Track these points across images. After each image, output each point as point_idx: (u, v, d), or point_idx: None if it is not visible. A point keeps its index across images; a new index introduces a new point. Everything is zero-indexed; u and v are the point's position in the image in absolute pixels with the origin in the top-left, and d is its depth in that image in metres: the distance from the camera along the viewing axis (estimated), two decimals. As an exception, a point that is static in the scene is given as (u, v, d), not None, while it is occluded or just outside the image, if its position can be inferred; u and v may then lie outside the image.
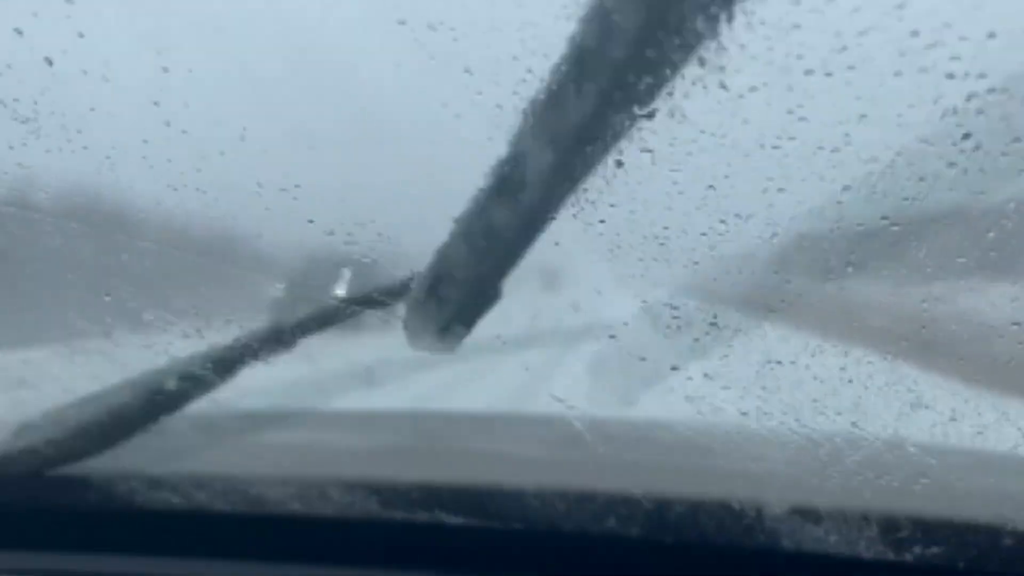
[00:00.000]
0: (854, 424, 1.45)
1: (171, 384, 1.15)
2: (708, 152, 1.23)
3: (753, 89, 1.24)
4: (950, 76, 1.29)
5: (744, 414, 1.33)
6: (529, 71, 0.91)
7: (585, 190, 0.99)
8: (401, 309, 1.03)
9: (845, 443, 1.33)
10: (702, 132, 1.13)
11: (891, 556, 0.84)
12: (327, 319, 1.26)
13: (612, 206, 1.13)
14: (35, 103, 1.47)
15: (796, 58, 1.30)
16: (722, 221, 1.37)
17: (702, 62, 0.88)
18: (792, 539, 0.87)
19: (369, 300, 1.13)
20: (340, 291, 1.15)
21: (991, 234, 1.37)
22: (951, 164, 1.38)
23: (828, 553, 0.87)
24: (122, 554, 0.99)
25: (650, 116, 0.90)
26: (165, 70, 1.41)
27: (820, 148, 1.42)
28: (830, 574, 0.89)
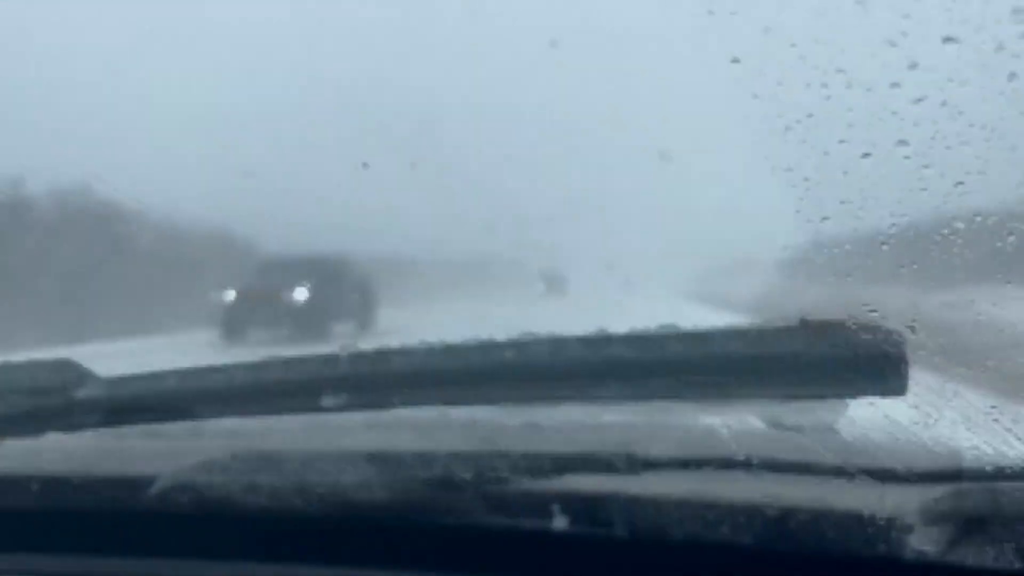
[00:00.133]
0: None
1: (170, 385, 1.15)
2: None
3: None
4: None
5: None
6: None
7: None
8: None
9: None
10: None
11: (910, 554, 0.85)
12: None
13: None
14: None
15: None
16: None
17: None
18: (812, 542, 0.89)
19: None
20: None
21: (1011, 238, 1.36)
22: (966, 171, 1.37)
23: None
24: (123, 556, 1.01)
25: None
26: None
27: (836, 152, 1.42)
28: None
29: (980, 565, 0.84)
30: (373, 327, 18.23)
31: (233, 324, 16.10)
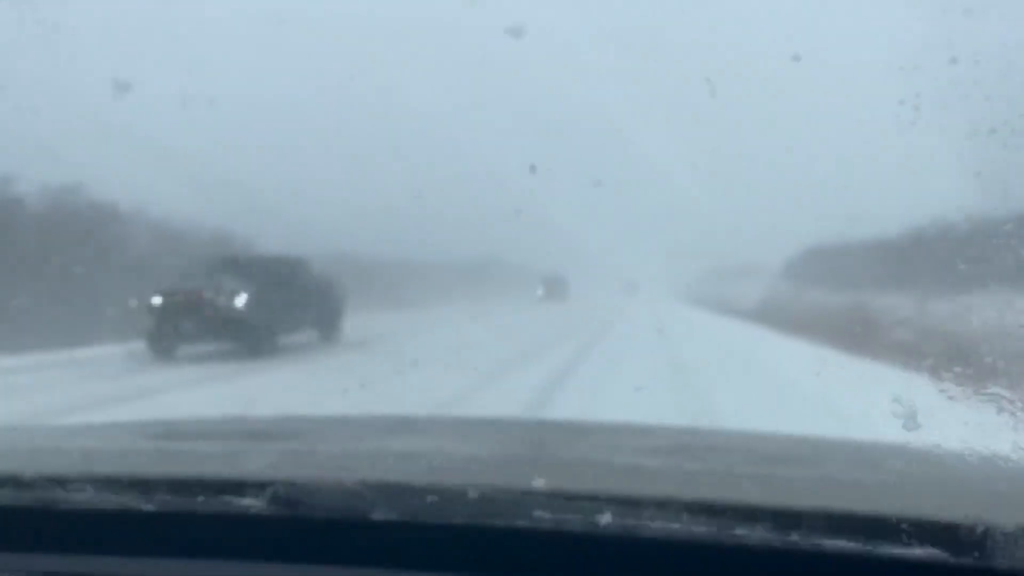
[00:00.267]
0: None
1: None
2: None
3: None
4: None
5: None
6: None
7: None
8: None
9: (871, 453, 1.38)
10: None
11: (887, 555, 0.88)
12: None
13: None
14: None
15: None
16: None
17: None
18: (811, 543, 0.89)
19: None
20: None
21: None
22: (978, 174, 1.36)
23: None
24: (122, 555, 1.00)
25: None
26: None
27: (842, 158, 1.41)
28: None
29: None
30: (337, 338, 16.22)
31: (157, 336, 13.32)
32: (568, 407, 7.01)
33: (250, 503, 0.97)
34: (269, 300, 13.85)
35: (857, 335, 13.53)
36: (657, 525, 0.89)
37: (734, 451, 1.34)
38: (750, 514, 0.90)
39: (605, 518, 0.90)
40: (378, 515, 0.93)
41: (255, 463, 1.11)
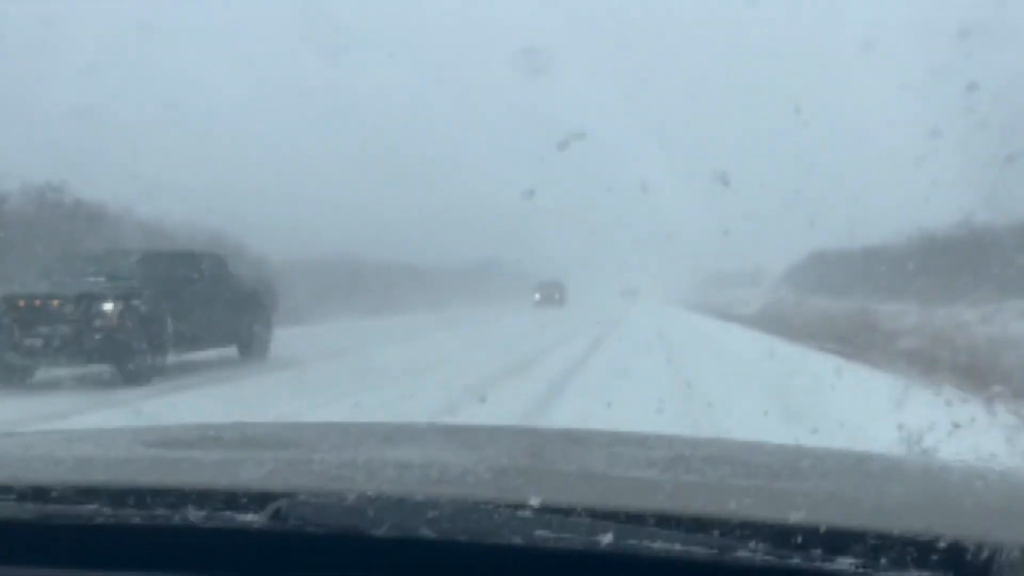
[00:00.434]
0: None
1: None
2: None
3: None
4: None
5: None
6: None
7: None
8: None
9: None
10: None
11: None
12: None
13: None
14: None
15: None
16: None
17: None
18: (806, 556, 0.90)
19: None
20: None
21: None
22: (988, 182, 1.36)
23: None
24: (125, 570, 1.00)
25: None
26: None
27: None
28: None
29: None
30: (261, 355, 13.06)
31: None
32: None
33: (248, 517, 0.97)
34: (159, 308, 10.70)
35: (862, 343, 13.51)
36: (658, 545, 0.90)
37: (733, 463, 1.34)
38: (747, 530, 0.90)
39: (607, 537, 0.90)
40: (378, 531, 0.93)
41: (253, 473, 1.11)
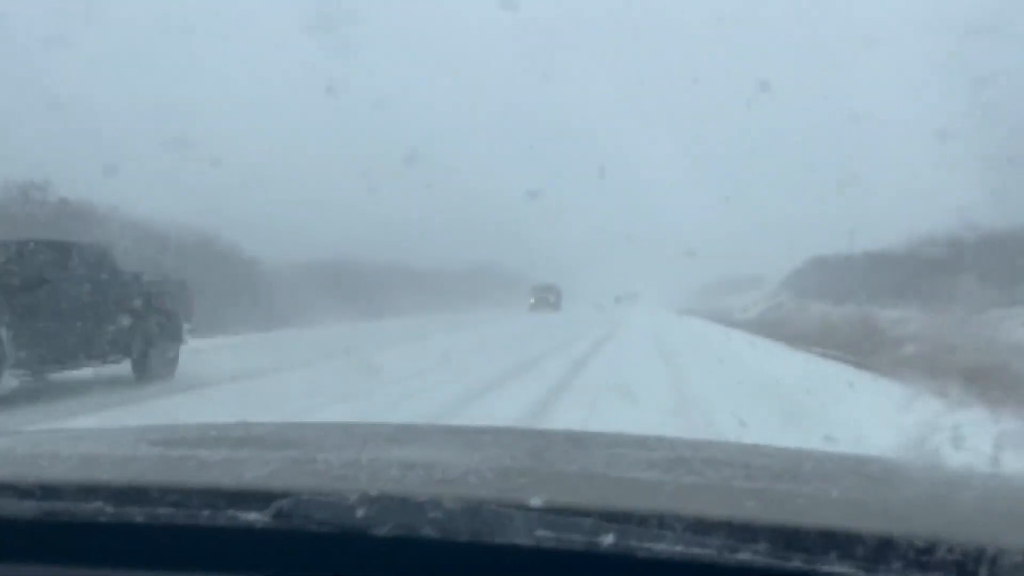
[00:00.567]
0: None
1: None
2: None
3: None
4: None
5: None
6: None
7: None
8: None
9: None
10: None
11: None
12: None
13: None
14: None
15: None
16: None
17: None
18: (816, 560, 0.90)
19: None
20: None
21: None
22: (996, 189, 1.36)
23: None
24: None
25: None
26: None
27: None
28: None
29: None
30: (166, 372, 10.70)
31: None
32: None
33: (252, 516, 0.98)
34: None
35: (866, 349, 13.49)
36: (660, 546, 0.91)
37: (733, 465, 1.35)
38: (749, 532, 0.91)
39: (609, 538, 0.91)
40: (381, 530, 0.95)
41: (257, 472, 1.13)
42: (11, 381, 8.35)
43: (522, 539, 0.92)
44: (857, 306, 20.28)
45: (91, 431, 1.91)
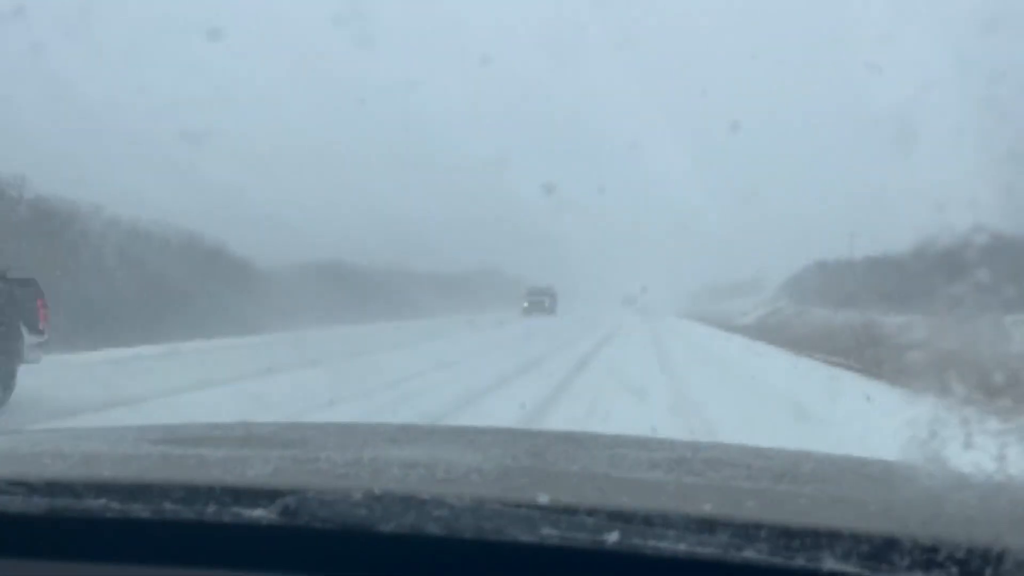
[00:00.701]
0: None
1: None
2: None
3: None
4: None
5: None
6: None
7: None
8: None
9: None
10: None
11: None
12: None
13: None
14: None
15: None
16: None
17: None
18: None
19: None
20: None
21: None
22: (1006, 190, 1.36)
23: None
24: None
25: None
26: None
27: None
28: None
29: None
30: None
31: None
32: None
33: (257, 513, 0.99)
34: None
35: (868, 356, 13.36)
36: (664, 544, 0.93)
37: (734, 465, 1.38)
38: (752, 531, 0.93)
39: (612, 536, 0.93)
40: (385, 527, 0.97)
41: (261, 470, 1.14)
42: None
43: (527, 537, 0.94)
44: (860, 312, 20.20)
45: (92, 430, 1.98)
